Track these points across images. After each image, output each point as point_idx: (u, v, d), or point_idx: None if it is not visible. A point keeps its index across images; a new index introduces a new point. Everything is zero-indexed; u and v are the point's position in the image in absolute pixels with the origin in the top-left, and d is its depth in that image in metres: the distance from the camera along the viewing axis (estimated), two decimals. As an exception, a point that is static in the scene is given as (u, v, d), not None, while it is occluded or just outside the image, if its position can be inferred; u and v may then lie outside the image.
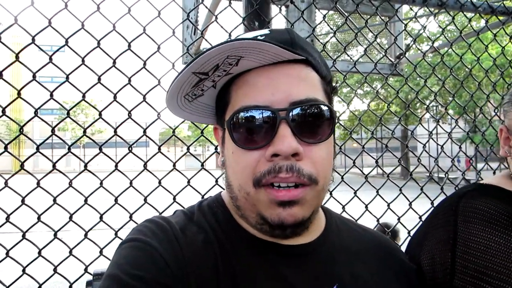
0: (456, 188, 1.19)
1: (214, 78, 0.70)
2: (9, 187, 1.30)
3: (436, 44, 2.65)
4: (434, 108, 21.26)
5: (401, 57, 2.75)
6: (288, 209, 0.68)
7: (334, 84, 0.80)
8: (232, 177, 0.73)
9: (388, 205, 1.87)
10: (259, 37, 0.69)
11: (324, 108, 0.70)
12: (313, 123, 0.69)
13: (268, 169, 0.67)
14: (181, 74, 0.68)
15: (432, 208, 1.08)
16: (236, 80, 0.71)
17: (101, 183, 1.42)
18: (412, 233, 1.23)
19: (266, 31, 0.74)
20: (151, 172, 1.56)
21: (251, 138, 0.68)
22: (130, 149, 1.48)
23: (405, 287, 0.84)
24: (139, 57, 1.51)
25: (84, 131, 1.41)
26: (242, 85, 0.70)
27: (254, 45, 0.64)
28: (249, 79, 0.70)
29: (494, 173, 2.03)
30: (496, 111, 2.17)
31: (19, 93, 1.29)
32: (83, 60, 1.38)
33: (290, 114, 0.67)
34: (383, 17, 2.88)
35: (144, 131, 1.47)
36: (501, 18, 2.17)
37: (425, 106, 2.17)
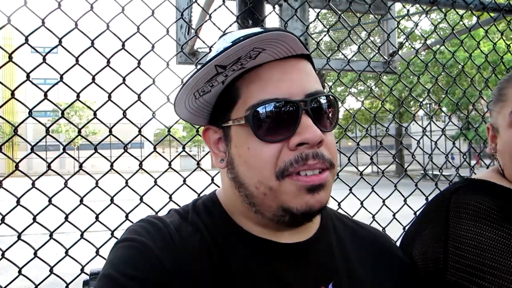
0: (450, 184, 1.20)
1: (227, 73, 0.69)
2: (4, 188, 1.30)
3: (428, 42, 2.67)
4: (428, 105, 21.37)
5: (394, 55, 2.77)
6: (316, 194, 0.69)
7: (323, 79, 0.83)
8: (247, 175, 0.71)
9: (383, 201, 1.88)
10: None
11: (333, 98, 0.74)
12: (326, 112, 0.72)
13: (295, 158, 0.68)
14: (206, 66, 0.66)
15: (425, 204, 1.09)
16: (246, 75, 0.70)
17: (96, 183, 1.41)
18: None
19: (259, 29, 0.74)
20: (146, 172, 1.55)
21: (273, 131, 0.68)
22: (126, 148, 1.47)
23: (400, 283, 0.85)
24: (133, 56, 1.51)
25: (79, 131, 1.40)
26: (254, 79, 0.70)
27: (279, 37, 0.66)
28: (262, 73, 0.70)
29: (487, 168, 2.05)
30: (488, 106, 2.19)
31: (13, 94, 1.28)
32: (77, 60, 1.38)
33: (309, 105, 0.69)
34: (375, 15, 2.89)
35: (140, 130, 1.47)
36: (492, 14, 2.19)
37: (419, 104, 2.19)
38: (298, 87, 0.70)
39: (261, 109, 0.68)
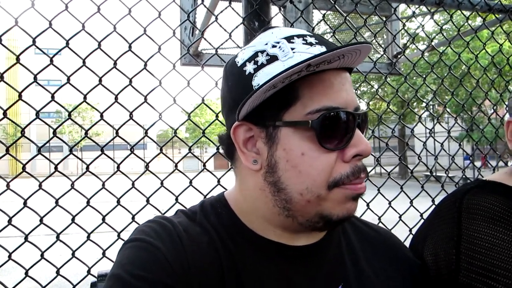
0: (457, 186, 1.19)
1: (301, 73, 0.66)
2: (11, 190, 1.30)
3: (432, 43, 2.66)
4: (431, 107, 21.32)
5: (399, 56, 2.76)
6: (356, 202, 0.71)
7: None
8: (294, 180, 0.68)
9: (390, 203, 1.87)
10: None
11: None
12: (365, 128, 0.74)
13: (352, 171, 0.68)
14: (301, 65, 0.62)
15: (434, 205, 1.08)
16: (308, 77, 0.67)
17: (103, 185, 1.41)
18: (413, 231, 1.23)
19: (307, 31, 0.73)
20: (153, 173, 1.55)
21: (333, 139, 0.67)
22: (132, 150, 1.47)
23: (410, 284, 0.84)
24: (140, 58, 1.51)
25: (86, 133, 1.41)
26: (317, 84, 0.67)
27: (362, 48, 0.65)
28: (325, 79, 0.68)
29: (493, 170, 2.04)
30: (494, 107, 2.19)
31: (20, 95, 1.28)
32: (84, 62, 1.38)
33: (360, 118, 0.70)
34: (380, 16, 2.88)
35: (146, 132, 1.47)
36: (498, 15, 2.18)
37: (424, 105, 2.19)
38: (351, 98, 0.69)
39: (329, 116, 0.66)
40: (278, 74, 0.63)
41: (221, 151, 0.77)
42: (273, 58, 0.68)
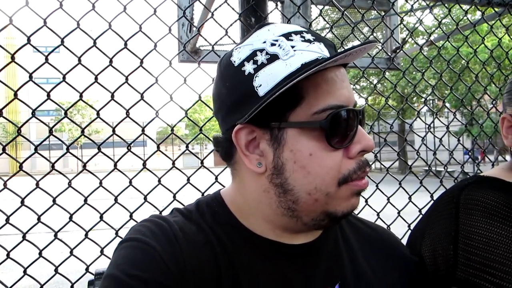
0: (456, 181, 1.19)
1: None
2: (8, 189, 1.30)
3: (431, 38, 2.65)
4: (431, 101, 21.30)
5: (398, 51, 2.75)
6: (359, 197, 0.72)
7: None
8: (302, 181, 0.68)
9: (388, 199, 1.87)
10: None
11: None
12: (364, 121, 0.74)
13: (358, 166, 0.69)
14: (319, 66, 0.61)
15: (432, 201, 1.08)
16: (311, 77, 0.65)
17: (100, 183, 1.41)
18: (412, 226, 1.23)
19: (303, 28, 0.72)
20: (150, 171, 1.55)
21: (340, 138, 0.67)
22: (129, 148, 1.47)
23: (407, 281, 0.84)
24: (136, 55, 1.50)
25: (82, 131, 1.40)
26: (321, 82, 0.66)
27: (366, 46, 0.65)
28: (328, 77, 0.67)
29: (492, 165, 2.04)
30: (494, 103, 2.18)
31: (15, 94, 1.28)
32: (79, 60, 1.37)
33: (360, 114, 0.70)
34: (378, 11, 2.87)
35: (143, 130, 1.46)
36: (497, 9, 2.17)
37: (422, 100, 2.18)
38: (351, 95, 0.69)
39: (336, 115, 0.66)
40: (291, 75, 0.63)
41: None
42: (273, 57, 0.66)
